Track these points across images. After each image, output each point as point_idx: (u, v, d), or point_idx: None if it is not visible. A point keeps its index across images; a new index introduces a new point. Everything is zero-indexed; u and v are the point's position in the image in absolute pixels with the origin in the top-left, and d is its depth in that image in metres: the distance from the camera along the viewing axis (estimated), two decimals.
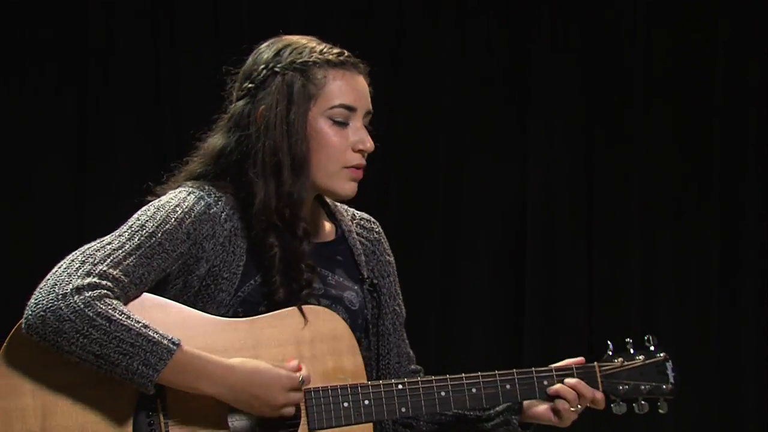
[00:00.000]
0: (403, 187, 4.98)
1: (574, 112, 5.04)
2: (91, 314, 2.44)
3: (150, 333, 2.46)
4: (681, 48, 5.02)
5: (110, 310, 2.45)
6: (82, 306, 2.44)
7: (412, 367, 2.91)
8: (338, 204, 2.87)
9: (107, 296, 2.47)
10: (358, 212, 2.90)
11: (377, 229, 2.90)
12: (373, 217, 2.93)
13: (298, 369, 2.56)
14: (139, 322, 2.47)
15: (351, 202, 2.86)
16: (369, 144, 2.70)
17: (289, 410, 2.56)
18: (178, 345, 2.47)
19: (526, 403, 2.81)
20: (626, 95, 5.04)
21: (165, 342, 2.47)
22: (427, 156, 5.00)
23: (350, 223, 2.86)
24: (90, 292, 2.45)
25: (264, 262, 2.65)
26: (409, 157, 4.96)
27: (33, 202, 4.66)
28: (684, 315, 5.04)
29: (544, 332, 5.00)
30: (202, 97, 3.87)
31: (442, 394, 2.70)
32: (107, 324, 2.44)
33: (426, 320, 4.92)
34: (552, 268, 5.03)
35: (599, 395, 2.79)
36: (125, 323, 2.45)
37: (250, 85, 2.70)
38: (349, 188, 2.71)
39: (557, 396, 2.77)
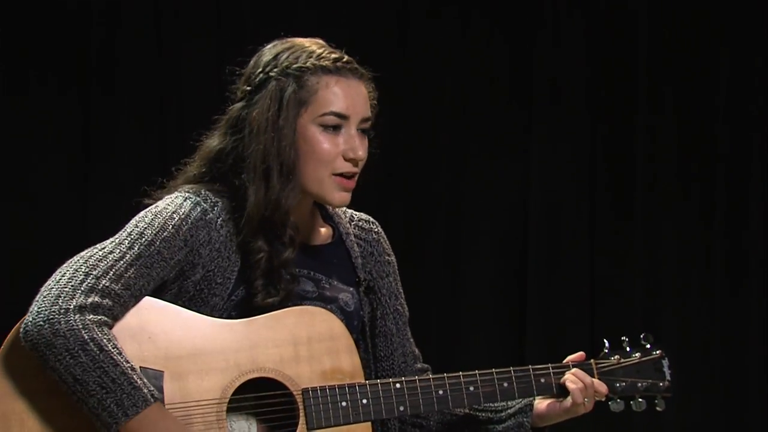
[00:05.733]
0: (406, 187, 4.97)
1: (578, 111, 5.04)
2: (86, 337, 2.44)
3: (134, 377, 2.46)
4: (686, 49, 5.03)
5: (105, 340, 2.46)
6: (80, 326, 2.45)
7: (419, 365, 2.90)
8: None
9: (106, 324, 2.48)
10: (357, 213, 2.90)
11: (376, 230, 2.90)
12: (376, 217, 2.92)
13: None
14: (128, 362, 2.47)
15: (353, 202, 2.85)
16: (361, 152, 2.69)
17: None
18: (156, 400, 2.46)
19: (536, 403, 2.82)
20: (631, 95, 5.04)
21: (145, 391, 2.46)
22: (430, 156, 4.99)
23: (348, 225, 2.86)
24: (91, 315, 2.47)
25: (251, 265, 2.66)
26: (412, 156, 4.95)
27: (36, 202, 4.66)
28: (687, 316, 5.02)
29: (547, 333, 4.98)
30: (205, 96, 3.93)
31: (440, 392, 2.70)
32: (98, 352, 2.44)
33: (428, 320, 4.91)
34: (554, 269, 5.02)
35: (597, 381, 2.80)
36: (115, 358, 2.45)
37: (247, 88, 2.71)
38: (339, 198, 2.70)
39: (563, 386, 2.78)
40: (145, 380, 2.47)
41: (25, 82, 4.68)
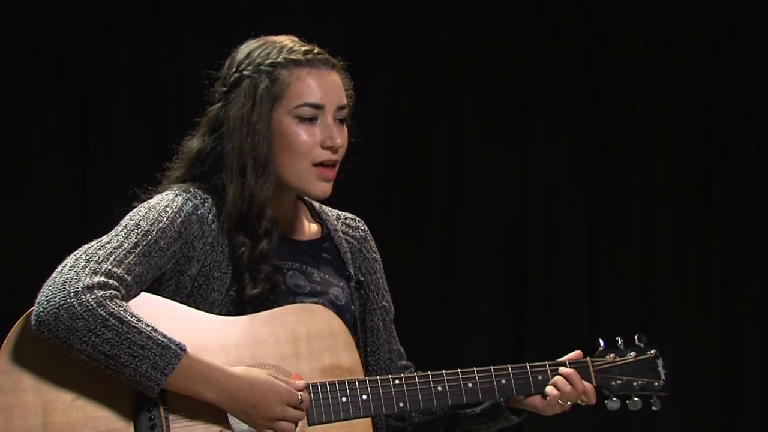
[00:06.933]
0: (405, 188, 4.98)
1: (576, 113, 5.06)
2: (104, 314, 2.48)
3: (159, 337, 2.51)
4: (683, 51, 5.06)
5: (122, 311, 2.50)
6: (94, 305, 2.48)
7: (402, 362, 2.93)
8: (323, 206, 2.91)
9: (116, 296, 2.51)
10: (343, 213, 2.94)
11: (362, 228, 2.93)
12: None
13: (301, 389, 2.59)
14: (149, 325, 2.51)
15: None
16: (339, 140, 2.72)
17: (287, 426, 2.57)
18: (184, 350, 2.52)
19: None
20: (628, 97, 5.06)
21: (173, 347, 2.51)
22: (429, 157, 5.01)
23: (336, 222, 2.89)
24: (101, 291, 2.49)
25: (237, 260, 2.70)
26: (410, 157, 4.98)
27: (34, 199, 4.67)
28: (685, 315, 5.04)
29: (546, 333, 5.00)
30: (203, 96, 3.91)
31: (439, 388, 2.73)
32: (119, 325, 2.48)
33: (426, 322, 4.92)
34: (553, 270, 5.04)
35: (589, 387, 2.82)
36: (136, 325, 2.49)
37: (223, 89, 2.76)
38: (320, 189, 2.74)
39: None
40: (167, 334, 2.51)
41: (21, 81, 4.69)
